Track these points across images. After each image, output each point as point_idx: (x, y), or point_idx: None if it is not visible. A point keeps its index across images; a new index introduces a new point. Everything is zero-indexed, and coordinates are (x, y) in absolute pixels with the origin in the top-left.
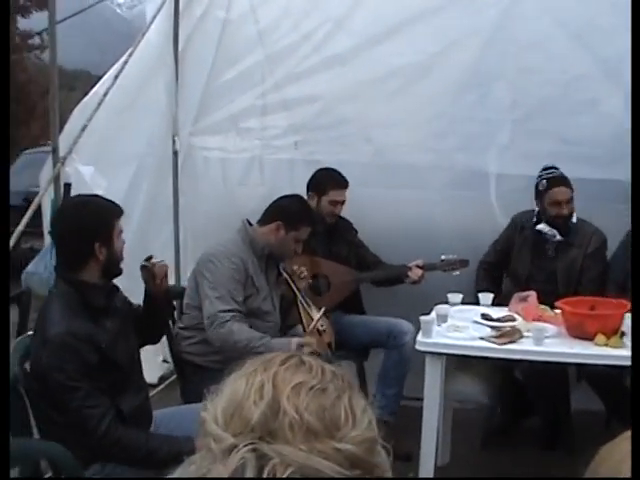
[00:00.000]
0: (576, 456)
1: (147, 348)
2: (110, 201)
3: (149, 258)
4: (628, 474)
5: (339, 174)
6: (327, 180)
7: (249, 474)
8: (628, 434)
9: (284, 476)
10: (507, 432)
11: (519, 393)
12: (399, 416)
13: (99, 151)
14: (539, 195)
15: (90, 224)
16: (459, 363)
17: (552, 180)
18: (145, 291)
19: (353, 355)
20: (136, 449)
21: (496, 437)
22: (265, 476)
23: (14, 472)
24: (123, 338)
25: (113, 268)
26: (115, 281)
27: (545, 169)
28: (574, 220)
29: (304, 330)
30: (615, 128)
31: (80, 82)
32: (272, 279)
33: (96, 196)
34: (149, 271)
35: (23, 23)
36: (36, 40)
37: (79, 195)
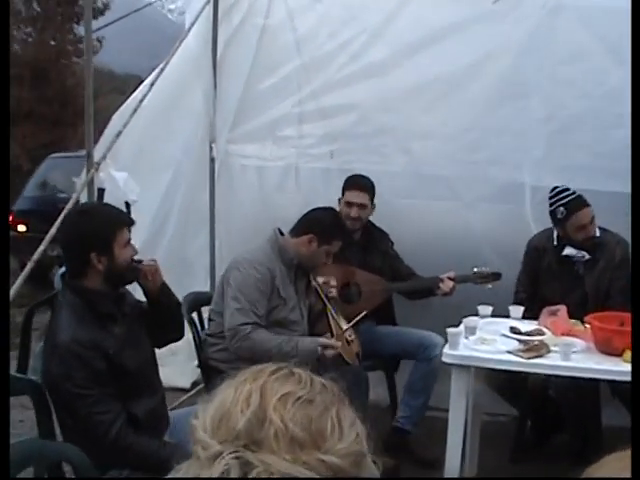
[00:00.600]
0: None
1: (180, 351)
2: (117, 210)
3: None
4: None
5: (361, 177)
6: (346, 182)
7: None
8: (618, 455)
9: None
10: (537, 447)
11: (550, 408)
12: (427, 426)
13: (137, 156)
14: (559, 223)
15: (86, 234)
16: (489, 376)
17: (571, 204)
18: (143, 291)
19: (383, 365)
20: (148, 456)
21: (525, 451)
22: None
23: (27, 472)
24: (132, 344)
25: (117, 277)
26: None
27: (556, 193)
28: (597, 234)
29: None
30: None
31: (130, 86)
32: (301, 289)
33: (105, 205)
34: (140, 271)
35: (77, 29)
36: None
37: (84, 203)
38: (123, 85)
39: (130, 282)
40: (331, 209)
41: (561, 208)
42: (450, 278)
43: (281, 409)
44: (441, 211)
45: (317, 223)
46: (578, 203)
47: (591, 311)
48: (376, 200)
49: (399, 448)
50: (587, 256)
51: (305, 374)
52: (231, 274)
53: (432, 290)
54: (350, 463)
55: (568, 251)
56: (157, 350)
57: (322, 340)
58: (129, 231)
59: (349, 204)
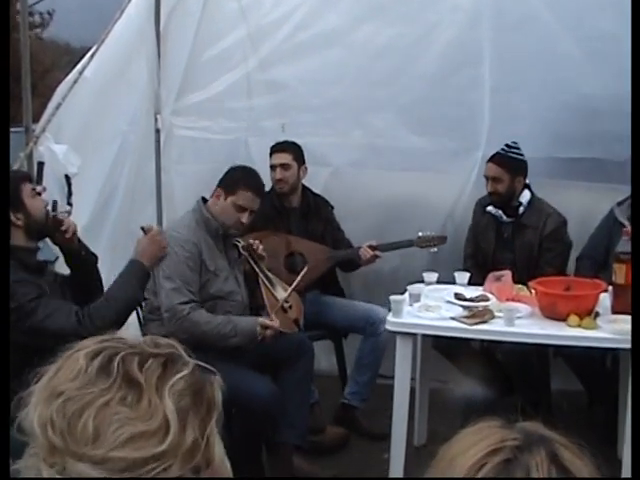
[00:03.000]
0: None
1: (130, 326)
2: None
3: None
4: (462, 468)
5: (284, 141)
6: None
7: None
8: (470, 430)
9: None
10: (487, 412)
11: (499, 372)
12: (380, 394)
13: (83, 128)
14: None
15: None
16: (437, 343)
17: (490, 157)
18: (61, 249)
19: (331, 336)
20: (106, 314)
21: (476, 417)
22: None
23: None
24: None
25: (37, 228)
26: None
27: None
28: (522, 201)
29: (267, 310)
30: (595, 108)
31: None
32: (234, 258)
33: None
34: (55, 221)
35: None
36: (36, 18)
37: None
38: (80, 58)
39: (51, 233)
40: (243, 165)
41: None
42: (371, 246)
43: (44, 411)
44: (394, 180)
45: (224, 177)
46: (492, 157)
47: (520, 280)
48: (329, 171)
49: (348, 419)
50: (504, 217)
51: (86, 359)
52: None
53: (355, 260)
54: (108, 470)
55: (489, 208)
56: None
57: (262, 320)
58: (30, 183)
59: (272, 168)
